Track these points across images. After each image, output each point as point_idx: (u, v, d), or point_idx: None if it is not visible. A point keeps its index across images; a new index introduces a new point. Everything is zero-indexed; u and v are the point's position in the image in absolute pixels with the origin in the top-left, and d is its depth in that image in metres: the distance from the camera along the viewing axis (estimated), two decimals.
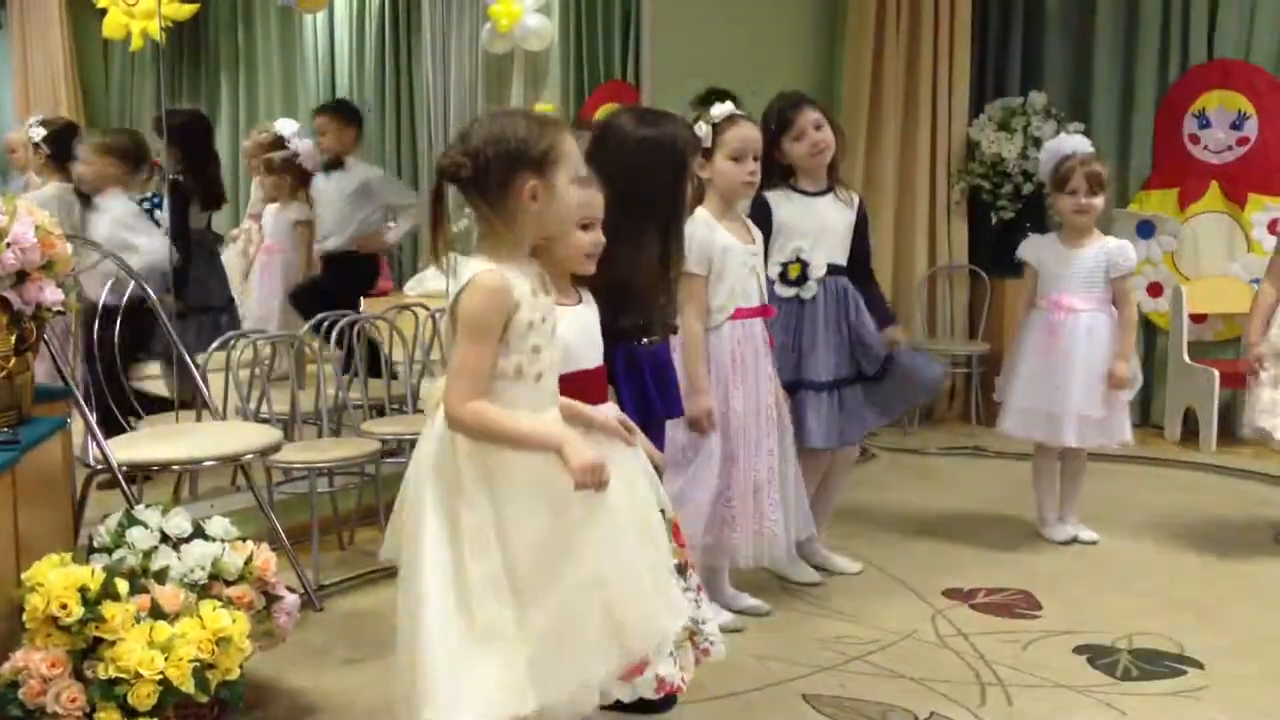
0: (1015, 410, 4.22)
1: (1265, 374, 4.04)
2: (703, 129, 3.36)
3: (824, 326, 3.77)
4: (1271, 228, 5.73)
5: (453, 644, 2.11)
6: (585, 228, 2.52)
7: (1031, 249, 4.28)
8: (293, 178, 5.42)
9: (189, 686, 2.60)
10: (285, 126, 5.66)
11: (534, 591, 2.16)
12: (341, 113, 5.72)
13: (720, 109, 3.39)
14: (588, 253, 2.54)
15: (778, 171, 3.74)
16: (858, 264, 3.89)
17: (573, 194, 2.25)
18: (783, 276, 3.75)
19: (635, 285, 2.80)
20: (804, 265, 3.75)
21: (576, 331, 2.53)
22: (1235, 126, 5.93)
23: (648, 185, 2.82)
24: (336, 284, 5.25)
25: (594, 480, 2.12)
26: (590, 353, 2.57)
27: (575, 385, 2.45)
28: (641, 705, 2.81)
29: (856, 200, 3.91)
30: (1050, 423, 4.14)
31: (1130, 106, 6.22)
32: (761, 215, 3.70)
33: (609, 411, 2.59)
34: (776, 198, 3.73)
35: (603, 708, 2.66)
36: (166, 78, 5.33)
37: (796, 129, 3.73)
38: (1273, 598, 3.78)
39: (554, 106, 6.77)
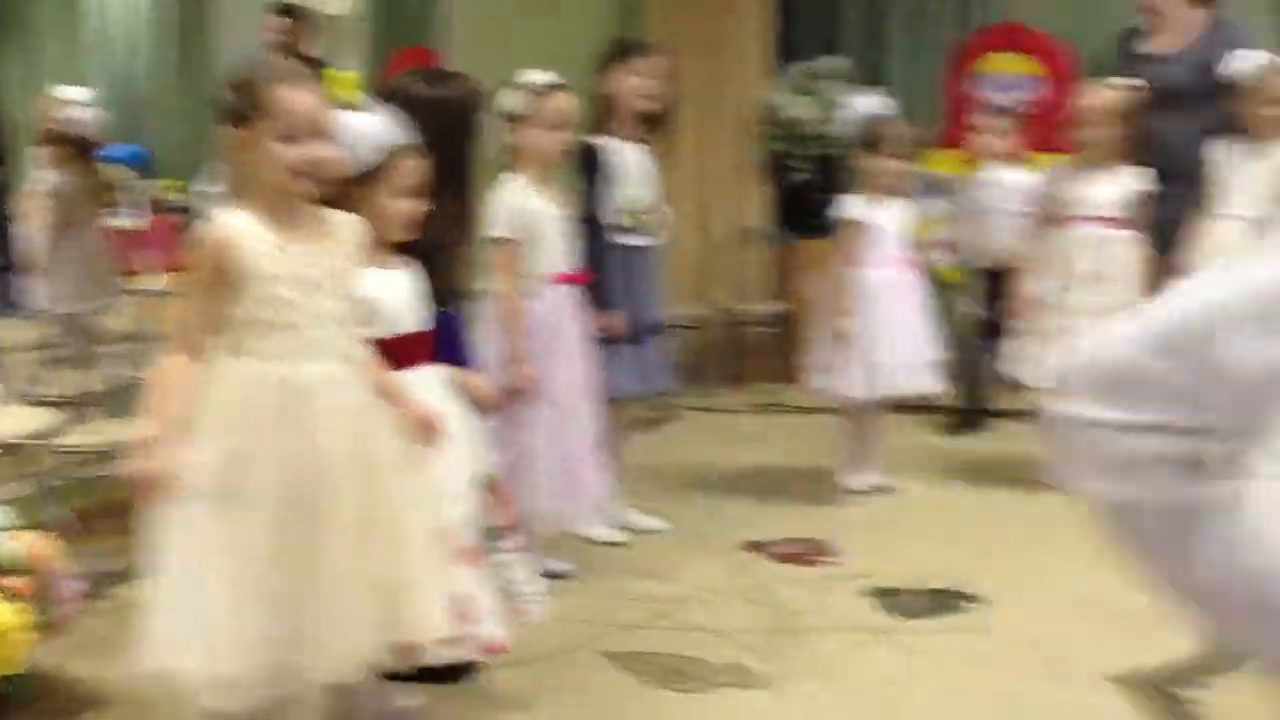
0: (867, 368, 4.25)
1: (1024, 326, 4.33)
2: (520, 96, 3.36)
3: (652, 274, 3.86)
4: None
5: (181, 593, 2.11)
6: (405, 196, 2.51)
7: (855, 209, 4.30)
8: (75, 147, 5.22)
9: None
10: (74, 93, 5.46)
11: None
12: None
13: (540, 77, 3.39)
14: (406, 221, 2.53)
15: (600, 116, 3.76)
16: None
17: (279, 151, 2.16)
18: (620, 225, 3.78)
19: (436, 249, 2.78)
20: (641, 213, 3.79)
21: (396, 295, 2.52)
22: (1019, 87, 6.15)
23: (439, 147, 2.78)
24: None
25: (144, 491, 2.12)
26: (406, 316, 2.56)
27: (396, 348, 2.43)
28: (441, 674, 2.83)
29: (655, 155, 3.95)
30: (907, 374, 4.27)
31: (922, 70, 6.43)
32: (588, 161, 3.71)
33: (431, 380, 2.60)
34: (604, 145, 3.74)
35: (402, 676, 2.67)
36: None
37: (632, 65, 3.80)
38: (1046, 533, 3.95)
39: (355, 73, 6.63)
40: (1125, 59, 4.87)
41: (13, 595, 2.70)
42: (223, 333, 2.18)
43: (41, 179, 5.32)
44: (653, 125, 3.89)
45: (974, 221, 6.04)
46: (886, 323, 4.23)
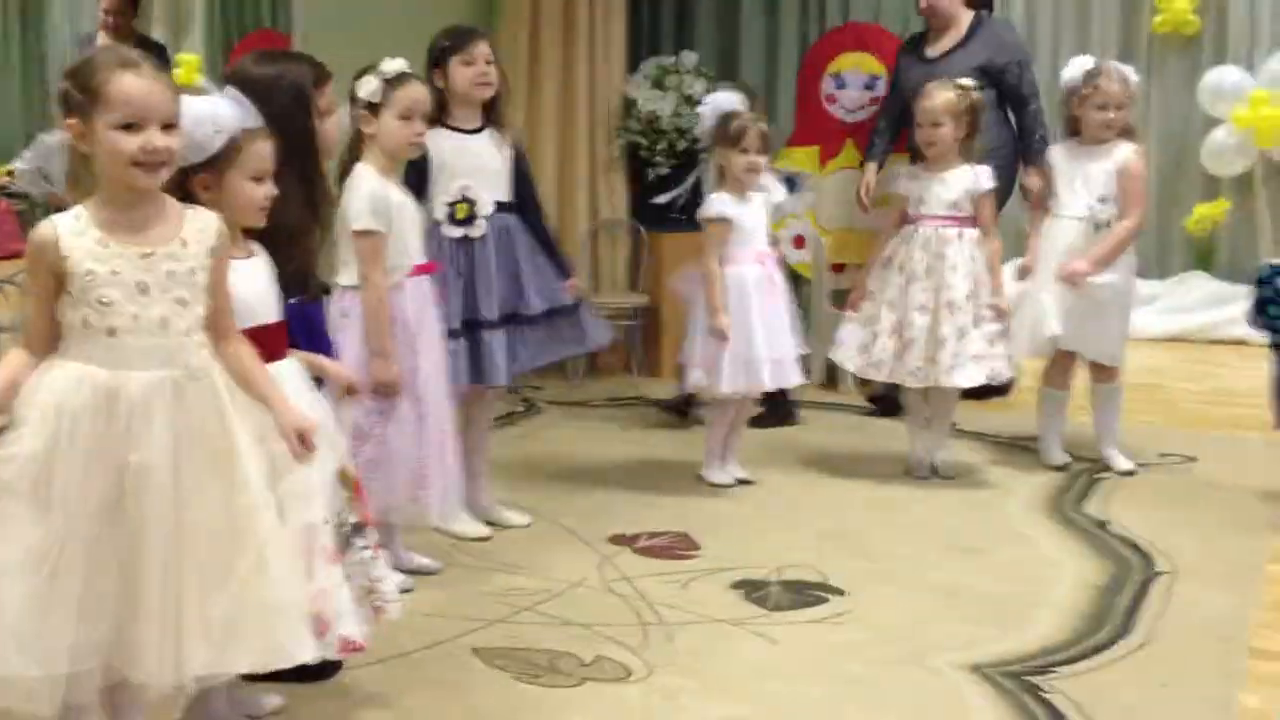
0: (752, 364, 4.28)
1: (859, 313, 4.49)
2: (373, 84, 3.30)
3: (494, 265, 3.79)
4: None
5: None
6: (256, 180, 2.45)
7: (722, 206, 4.31)
8: None
9: None
10: None
11: None
12: None
13: (392, 65, 3.34)
14: (259, 206, 2.47)
15: (437, 108, 3.70)
16: (526, 206, 3.94)
17: (117, 141, 2.08)
18: (450, 217, 3.74)
19: (281, 234, 2.72)
20: (471, 204, 3.76)
21: (250, 286, 2.46)
22: (868, 87, 6.26)
23: (279, 128, 2.69)
24: None
25: None
26: (264, 307, 2.50)
27: (253, 340, 2.37)
28: (302, 673, 2.78)
29: (510, 140, 3.91)
30: (781, 369, 4.33)
31: (775, 67, 6.54)
32: (416, 157, 3.64)
33: (290, 372, 2.55)
34: (432, 138, 3.66)
35: (262, 676, 2.62)
36: None
37: (468, 54, 3.74)
38: (906, 525, 4.10)
39: (198, 57, 6.46)
40: (910, 64, 5.27)
41: None
42: (60, 333, 2.13)
43: None
44: (489, 111, 3.86)
45: (826, 217, 6.20)
46: (755, 318, 4.28)
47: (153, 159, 2.10)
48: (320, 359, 2.77)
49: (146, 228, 2.15)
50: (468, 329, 3.72)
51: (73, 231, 2.10)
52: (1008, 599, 3.45)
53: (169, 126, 2.12)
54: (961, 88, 4.39)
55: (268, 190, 2.48)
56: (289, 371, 2.58)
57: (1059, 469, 4.61)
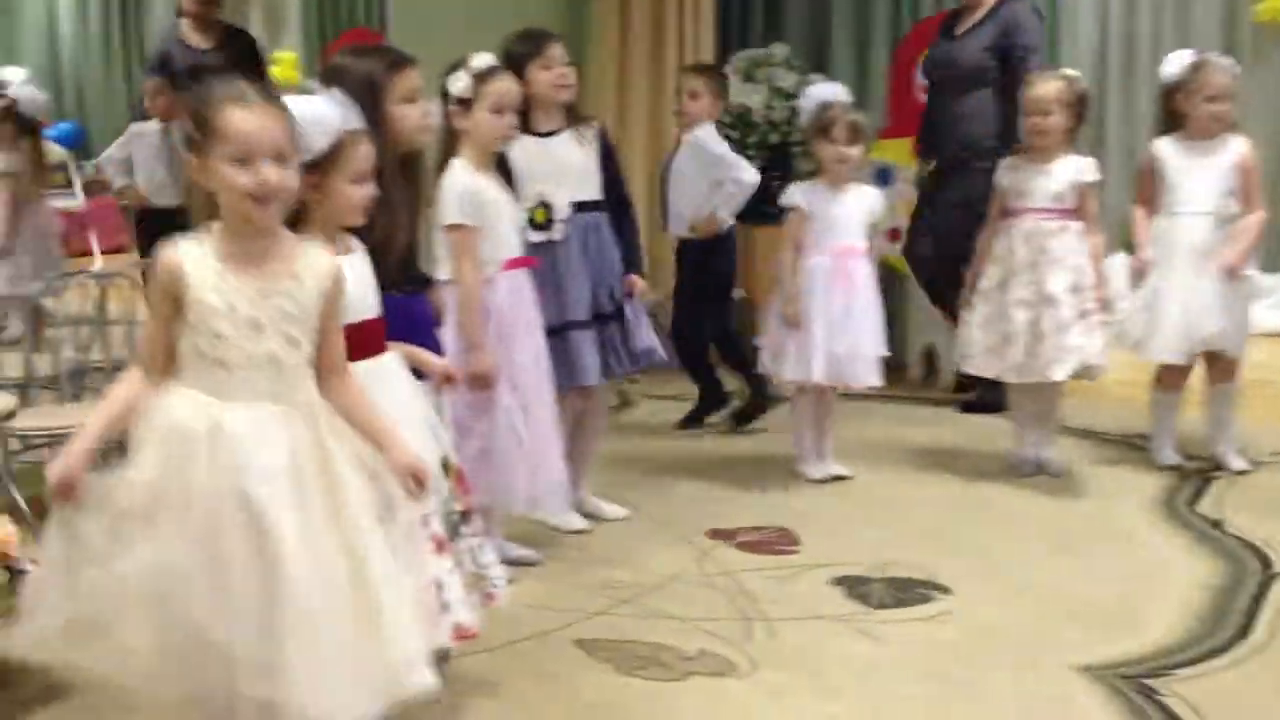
0: (818, 357, 4.26)
1: (974, 314, 4.34)
2: (464, 80, 3.30)
3: (578, 265, 3.79)
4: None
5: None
6: (357, 181, 2.46)
7: (801, 195, 4.34)
8: (14, 126, 5.09)
9: None
10: (10, 74, 5.32)
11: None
12: None
13: (481, 60, 3.34)
14: (360, 207, 2.48)
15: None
16: (612, 199, 3.92)
17: (231, 175, 2.07)
18: (531, 222, 3.75)
19: (390, 230, 2.75)
20: (548, 208, 3.76)
21: (351, 283, 2.46)
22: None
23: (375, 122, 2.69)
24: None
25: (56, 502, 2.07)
26: (363, 303, 2.51)
27: (353, 337, 2.38)
28: None
29: (597, 134, 3.90)
30: (855, 365, 4.27)
31: (867, 58, 6.48)
32: (497, 163, 3.64)
33: (391, 367, 2.56)
34: (515, 143, 3.67)
35: None
36: None
37: (545, 58, 3.73)
38: (1008, 523, 4.02)
39: (295, 53, 6.55)
40: (937, 42, 5.34)
41: None
42: (177, 357, 2.14)
43: None
44: (570, 113, 3.85)
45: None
46: (835, 311, 4.24)
47: (264, 192, 2.09)
48: (419, 351, 2.78)
49: (264, 261, 2.15)
50: (557, 331, 3.72)
51: (195, 258, 2.11)
52: (1118, 599, 3.38)
53: (281, 158, 2.11)
54: (1068, 77, 4.31)
55: (367, 191, 2.49)
56: (390, 365, 2.60)
57: (1171, 469, 4.51)
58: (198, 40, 5.56)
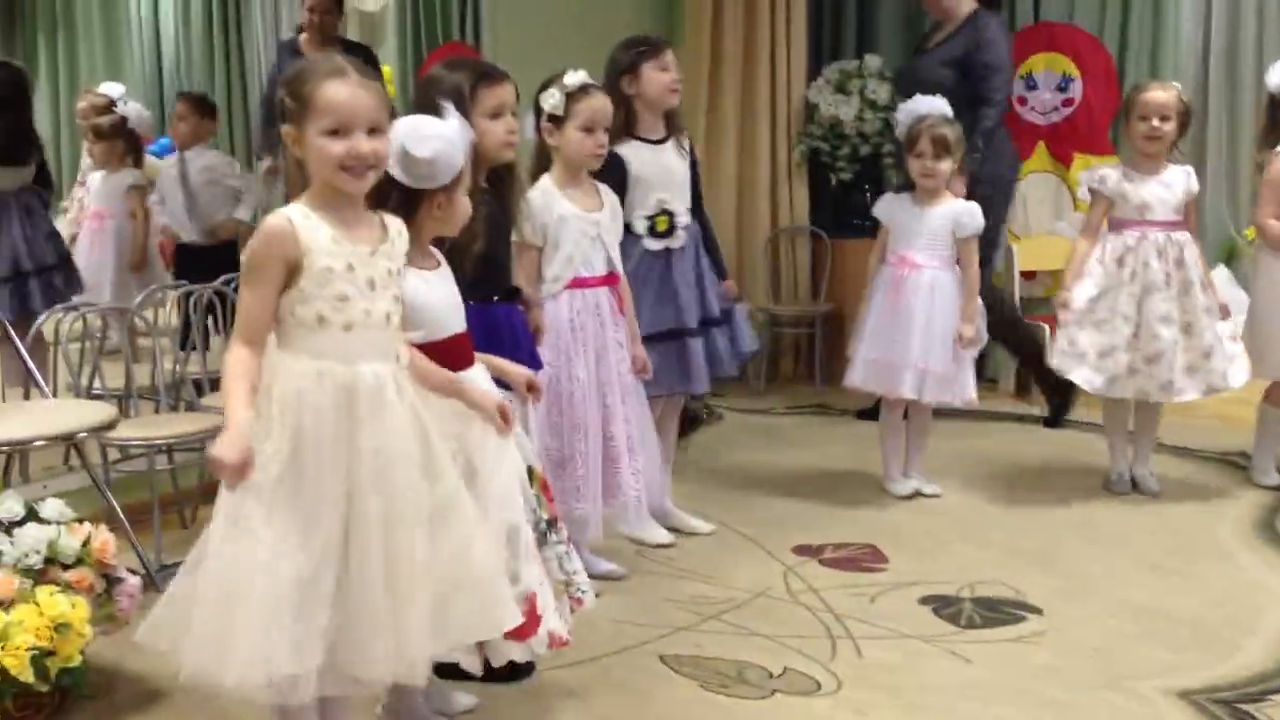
0: (859, 362, 4.30)
1: (1070, 317, 4.21)
2: (556, 97, 3.32)
3: (691, 273, 3.84)
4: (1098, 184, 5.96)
5: (237, 599, 2.08)
6: (469, 195, 2.52)
7: (885, 206, 4.36)
8: (124, 142, 5.22)
9: (27, 676, 2.52)
10: (114, 89, 5.46)
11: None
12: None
13: (574, 77, 3.34)
14: (467, 219, 2.54)
15: (621, 119, 3.71)
16: (697, 210, 3.96)
17: (326, 146, 2.12)
18: (651, 230, 3.77)
19: (474, 241, 2.78)
20: (671, 216, 3.79)
21: (440, 297, 2.50)
22: (1060, 88, 6.12)
23: None
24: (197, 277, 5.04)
25: (223, 477, 2.05)
26: (453, 317, 2.55)
27: (441, 351, 2.42)
28: (499, 674, 2.82)
29: (688, 146, 3.94)
30: (890, 375, 4.22)
31: None
32: (615, 171, 3.66)
33: (483, 383, 2.59)
34: (627, 151, 3.71)
35: (460, 675, 2.67)
36: None
37: (662, 60, 3.77)
38: (1104, 542, 3.94)
39: (390, 69, 6.64)
40: (912, 55, 5.19)
41: (70, 589, 2.70)
42: (281, 327, 2.16)
43: (89, 174, 5.33)
44: (669, 120, 3.86)
45: (1018, 222, 6.04)
46: (929, 324, 4.19)
47: (359, 163, 2.14)
48: (500, 361, 2.79)
49: (359, 226, 2.21)
50: (672, 337, 3.73)
51: (307, 227, 2.14)
52: (1215, 622, 3.30)
53: (375, 131, 2.16)
54: (1178, 88, 4.22)
55: (467, 204, 2.54)
56: (475, 377, 2.62)
57: (1272, 489, 4.39)
58: (314, 55, 5.61)
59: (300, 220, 2.14)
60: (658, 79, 3.76)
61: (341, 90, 2.13)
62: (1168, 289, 4.12)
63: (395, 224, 2.29)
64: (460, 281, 2.63)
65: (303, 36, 5.70)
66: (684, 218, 3.82)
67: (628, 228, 3.71)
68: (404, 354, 2.25)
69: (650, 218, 3.77)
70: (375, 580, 2.13)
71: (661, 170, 3.78)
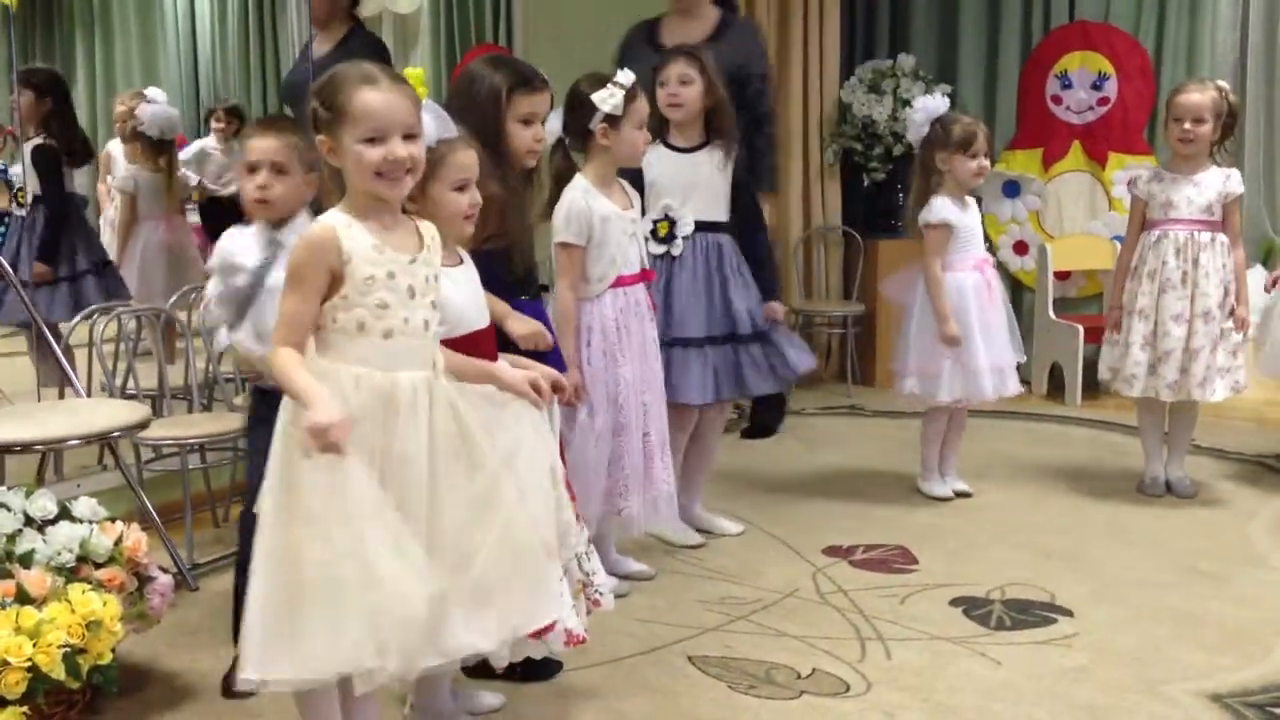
0: (946, 373, 4.19)
1: (1133, 333, 4.17)
2: (618, 97, 3.28)
3: (693, 284, 3.78)
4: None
5: (278, 598, 2.07)
6: (459, 190, 2.49)
7: (948, 211, 4.20)
8: (155, 146, 5.28)
9: (59, 673, 2.54)
10: (148, 92, 5.51)
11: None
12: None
13: (626, 77, 3.32)
14: (464, 214, 2.51)
15: (651, 124, 3.72)
16: (744, 221, 3.91)
17: (362, 153, 2.13)
18: (653, 234, 3.76)
19: (503, 237, 2.79)
20: (671, 223, 3.77)
21: (463, 293, 2.51)
22: (1096, 87, 6.08)
23: (473, 127, 2.68)
24: None
25: (320, 444, 2.01)
26: (477, 314, 2.56)
27: (463, 348, 2.42)
28: (524, 672, 2.83)
29: (735, 156, 3.85)
30: (972, 380, 4.19)
31: (995, 68, 6.35)
32: (633, 173, 3.67)
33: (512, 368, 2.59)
34: (648, 156, 3.69)
35: (488, 674, 2.67)
36: (19, 40, 5.13)
37: (663, 75, 3.76)
38: (1138, 545, 3.91)
39: (424, 70, 6.64)
40: (641, 48, 4.45)
41: (103, 587, 2.73)
42: (320, 334, 2.16)
43: (123, 176, 5.37)
44: (710, 127, 3.83)
45: (1051, 222, 6.00)
46: (975, 325, 4.17)
47: (396, 168, 2.15)
48: (524, 361, 2.79)
49: (397, 232, 2.22)
50: (666, 346, 3.72)
51: (348, 235, 2.15)
52: (1248, 625, 3.27)
53: (410, 136, 2.17)
54: (1221, 87, 4.17)
55: (471, 199, 2.51)
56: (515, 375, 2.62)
57: None
58: (319, 46, 5.30)
59: (343, 228, 2.15)
60: (658, 94, 3.75)
61: (375, 97, 2.14)
62: (1183, 288, 4.10)
63: (429, 229, 2.29)
64: (507, 278, 2.65)
65: (315, 40, 5.55)
66: (685, 227, 3.77)
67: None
68: (440, 360, 2.27)
69: (654, 222, 3.76)
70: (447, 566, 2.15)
71: (681, 176, 3.77)
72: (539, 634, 2.50)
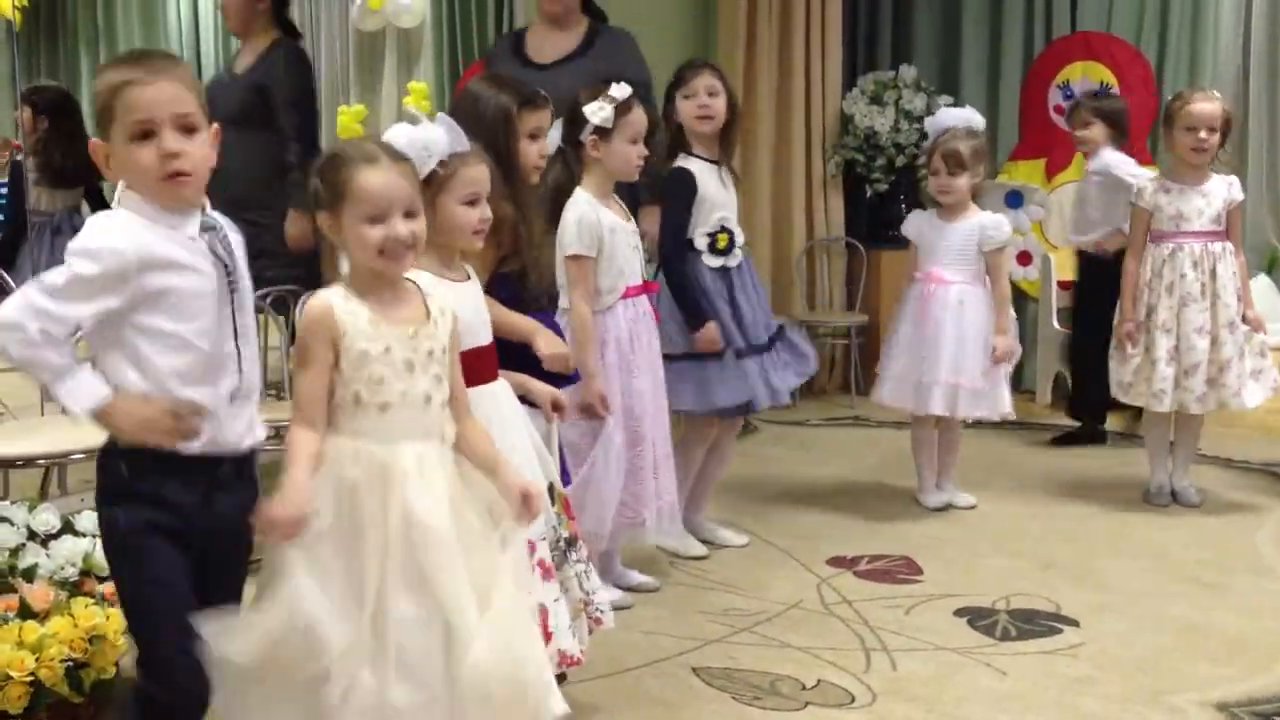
0: (888, 379, 4.30)
1: (1157, 348, 4.15)
2: (607, 110, 3.30)
3: (749, 292, 3.86)
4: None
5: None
6: (469, 204, 2.49)
7: (912, 224, 4.36)
8: None
9: (62, 687, 2.54)
10: None
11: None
12: None
13: (621, 90, 3.33)
14: (473, 229, 2.50)
15: (678, 139, 3.75)
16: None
17: (364, 233, 2.13)
18: (711, 247, 3.78)
19: (515, 253, 2.79)
20: (730, 234, 3.81)
21: (466, 309, 2.50)
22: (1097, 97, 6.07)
23: (484, 144, 2.68)
24: None
25: (271, 534, 2.04)
26: (479, 330, 2.55)
27: (466, 363, 2.41)
28: None
29: (732, 173, 3.92)
30: (918, 391, 4.20)
31: (997, 79, 6.36)
32: (683, 184, 3.71)
33: (506, 399, 2.60)
34: (696, 167, 3.73)
35: None
36: (24, 56, 5.14)
37: (689, 87, 3.76)
38: (1142, 554, 3.90)
39: (427, 85, 6.68)
40: (507, 61, 4.33)
41: (105, 601, 2.72)
42: (329, 407, 2.16)
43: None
44: (722, 141, 3.85)
45: (1054, 232, 6.00)
46: (960, 339, 4.16)
47: (398, 247, 2.15)
48: (526, 378, 2.79)
49: (399, 306, 2.21)
50: (738, 356, 3.74)
51: (345, 310, 2.15)
52: (1255, 635, 3.26)
53: (410, 214, 2.17)
54: (1219, 97, 4.18)
55: (481, 213, 2.50)
56: (498, 392, 2.62)
57: None
58: (242, 59, 4.88)
59: (340, 303, 2.15)
60: (684, 107, 3.76)
61: (376, 178, 2.13)
62: (1203, 300, 4.09)
63: (437, 304, 2.27)
64: (526, 296, 2.69)
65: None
66: (742, 237, 3.85)
67: (689, 244, 3.75)
68: (450, 432, 2.24)
69: (711, 235, 3.77)
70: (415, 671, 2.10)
71: (720, 189, 3.80)
72: None
